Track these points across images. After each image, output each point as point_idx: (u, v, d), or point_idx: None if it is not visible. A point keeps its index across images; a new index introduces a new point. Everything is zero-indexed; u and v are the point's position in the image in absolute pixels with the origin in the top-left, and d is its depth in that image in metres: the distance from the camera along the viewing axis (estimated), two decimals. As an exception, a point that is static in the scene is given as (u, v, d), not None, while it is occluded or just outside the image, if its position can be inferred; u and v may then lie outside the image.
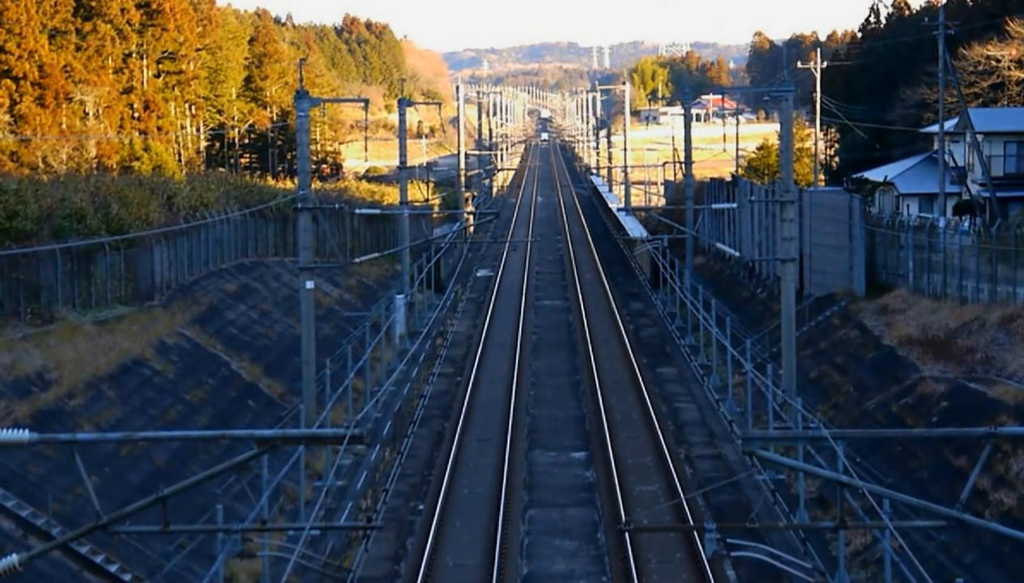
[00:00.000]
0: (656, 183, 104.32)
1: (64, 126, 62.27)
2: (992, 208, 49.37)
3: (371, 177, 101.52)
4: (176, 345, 35.61)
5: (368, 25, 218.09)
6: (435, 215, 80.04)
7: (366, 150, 70.77)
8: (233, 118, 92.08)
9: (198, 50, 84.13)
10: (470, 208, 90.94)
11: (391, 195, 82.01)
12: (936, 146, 55.24)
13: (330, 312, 49.67)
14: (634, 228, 74.95)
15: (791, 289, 35.17)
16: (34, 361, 29.10)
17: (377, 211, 63.81)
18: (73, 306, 35.24)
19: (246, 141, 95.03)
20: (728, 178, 70.26)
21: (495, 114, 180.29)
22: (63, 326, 33.12)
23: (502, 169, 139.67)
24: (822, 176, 73.45)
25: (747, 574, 25.01)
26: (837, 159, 78.24)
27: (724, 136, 77.37)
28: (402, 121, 54.85)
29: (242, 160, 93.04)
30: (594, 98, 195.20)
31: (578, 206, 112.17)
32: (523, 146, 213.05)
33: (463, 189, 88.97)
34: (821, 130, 73.90)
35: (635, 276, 68.15)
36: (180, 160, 75.14)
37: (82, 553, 22.39)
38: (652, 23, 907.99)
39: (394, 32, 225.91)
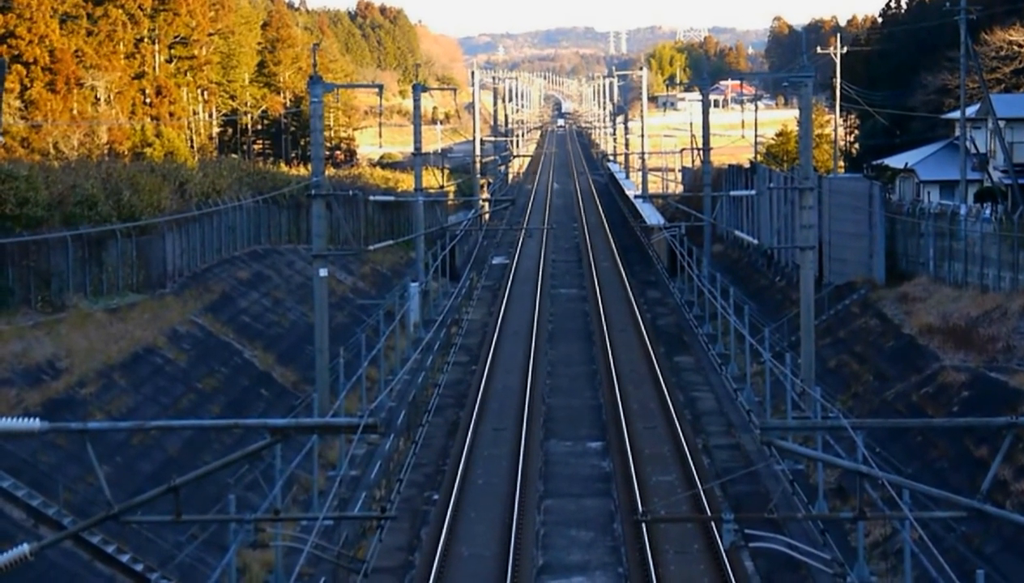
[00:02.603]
0: (674, 170, 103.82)
1: (75, 112, 62.02)
2: (1014, 195, 48.86)
3: (385, 163, 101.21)
4: (188, 333, 35.41)
5: (382, 10, 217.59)
6: (450, 202, 79.75)
7: (380, 136, 70.46)
8: (246, 104, 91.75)
9: (210, 35, 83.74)
10: (485, 195, 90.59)
11: (405, 182, 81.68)
12: (957, 132, 54.74)
13: (344, 300, 49.46)
14: (651, 215, 74.57)
15: (810, 277, 34.98)
16: (45, 349, 28.91)
17: (391, 198, 63.53)
18: (84, 294, 35.04)
19: (259, 127, 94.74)
20: (746, 165, 69.80)
21: (511, 100, 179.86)
22: (74, 314, 32.93)
23: (518, 155, 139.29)
24: (842, 163, 72.92)
25: (765, 565, 24.84)
26: (857, 145, 77.65)
27: (743, 122, 76.89)
28: (417, 107, 54.53)
29: (255, 146, 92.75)
30: (611, 84, 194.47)
31: (594, 193, 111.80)
32: (539, 132, 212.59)
33: (478, 176, 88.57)
34: (841, 116, 73.32)
35: (652, 264, 67.83)
36: (192, 146, 74.83)
37: (93, 543, 22.27)
38: (669, 8, 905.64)
39: (408, 17, 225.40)
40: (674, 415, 36.07)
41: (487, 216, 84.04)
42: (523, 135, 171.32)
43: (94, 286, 35.69)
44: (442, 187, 74.98)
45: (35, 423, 12.44)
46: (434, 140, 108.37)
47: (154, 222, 37.96)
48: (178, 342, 34.21)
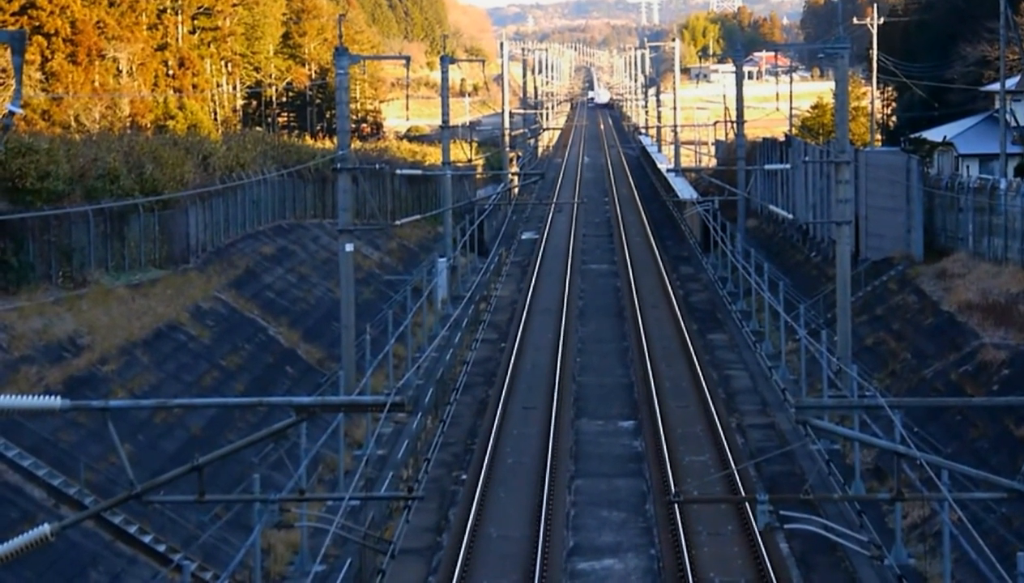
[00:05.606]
0: (707, 143, 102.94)
1: (97, 84, 61.61)
2: (1055, 168, 47.90)
3: (412, 137, 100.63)
4: (212, 309, 35.11)
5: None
6: (478, 176, 79.18)
7: (407, 109, 70.00)
8: (270, 76, 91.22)
9: (234, 6, 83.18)
10: (514, 169, 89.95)
11: (433, 155, 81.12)
12: (997, 105, 53.75)
13: (370, 276, 49.12)
14: (684, 190, 73.91)
15: (846, 253, 34.70)
16: (66, 326, 28.64)
17: (419, 172, 63.06)
18: (106, 269, 34.72)
19: (284, 99, 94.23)
20: (781, 138, 69.08)
21: (540, 72, 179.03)
22: (96, 290, 32.61)
23: (548, 128, 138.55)
24: (878, 136, 71.96)
25: (800, 547, 24.63)
26: (894, 118, 76.61)
27: (777, 94, 75.99)
28: (444, 79, 54.07)
29: (280, 119, 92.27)
30: (643, 55, 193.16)
31: (626, 166, 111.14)
32: (569, 104, 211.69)
33: (507, 149, 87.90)
34: (878, 88, 72.36)
35: (685, 239, 67.34)
36: (216, 119, 74.43)
37: (115, 523, 22.21)
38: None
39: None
40: (707, 393, 35.67)
41: (516, 190, 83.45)
42: (553, 107, 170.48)
43: (116, 261, 35.37)
44: (470, 161, 74.39)
45: (56, 401, 12.46)
46: (462, 113, 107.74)
47: (177, 196, 37.59)
48: (201, 318, 33.89)
